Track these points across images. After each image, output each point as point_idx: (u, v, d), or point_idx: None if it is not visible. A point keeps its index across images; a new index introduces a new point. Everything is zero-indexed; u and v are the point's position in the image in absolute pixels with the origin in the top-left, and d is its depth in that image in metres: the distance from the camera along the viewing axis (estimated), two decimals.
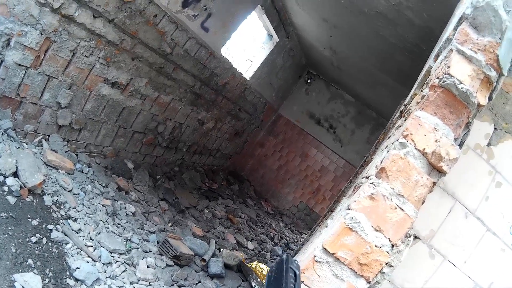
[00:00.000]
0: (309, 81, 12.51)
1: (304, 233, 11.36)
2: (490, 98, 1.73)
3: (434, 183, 1.66)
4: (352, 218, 1.59)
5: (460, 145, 1.81)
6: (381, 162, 1.66)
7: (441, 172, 1.67)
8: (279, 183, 12.62)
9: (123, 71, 5.78)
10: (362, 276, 1.61)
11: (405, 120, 2.05)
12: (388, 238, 1.61)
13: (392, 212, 1.60)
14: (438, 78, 1.66)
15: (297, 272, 1.13)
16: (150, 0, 5.36)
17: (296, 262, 1.18)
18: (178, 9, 5.95)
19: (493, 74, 1.67)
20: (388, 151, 1.70)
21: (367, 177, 1.79)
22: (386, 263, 1.60)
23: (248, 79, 9.51)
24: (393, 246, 1.61)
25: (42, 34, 4.39)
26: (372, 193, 1.61)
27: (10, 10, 4.00)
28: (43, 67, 4.65)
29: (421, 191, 1.62)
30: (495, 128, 2.28)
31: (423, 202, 1.68)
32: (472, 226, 2.26)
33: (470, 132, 1.83)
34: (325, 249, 1.60)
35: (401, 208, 1.61)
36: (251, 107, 10.70)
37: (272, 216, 11.33)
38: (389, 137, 2.47)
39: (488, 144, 2.27)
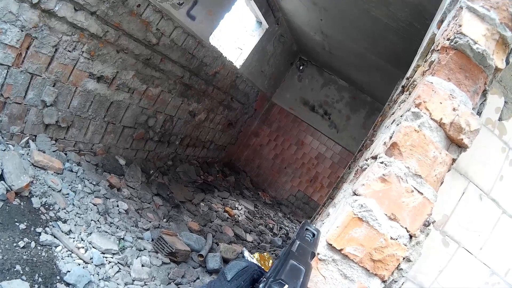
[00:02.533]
0: (301, 67, 12.35)
1: None
2: (507, 62, 1.52)
3: (454, 160, 1.45)
4: (362, 205, 1.36)
5: (478, 115, 1.60)
6: (391, 137, 1.44)
7: (461, 147, 1.44)
8: (275, 172, 12.48)
9: (109, 64, 5.59)
10: (376, 274, 1.39)
11: (409, 94, 1.86)
12: (405, 228, 1.39)
13: (408, 196, 1.38)
14: (449, 39, 1.45)
15: (316, 233, 1.04)
16: None
17: (315, 226, 1.09)
18: None
19: (508, 34, 1.46)
20: (398, 124, 1.48)
21: (374, 157, 1.56)
22: (404, 258, 1.38)
23: (238, 67, 9.33)
24: (411, 237, 1.39)
25: (22, 30, 4.23)
26: (383, 174, 1.37)
27: None
28: (26, 65, 4.49)
29: (440, 169, 1.40)
30: (505, 102, 2.10)
31: (441, 183, 1.47)
32: (487, 208, 2.09)
33: (486, 102, 1.62)
34: (330, 244, 1.38)
35: (418, 191, 1.38)
36: (243, 96, 10.53)
37: (270, 207, 11.22)
38: (393, 113, 2.26)
39: (500, 119, 2.09)
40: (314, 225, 1.20)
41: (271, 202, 11.76)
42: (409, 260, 1.40)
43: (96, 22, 4.99)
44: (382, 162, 1.38)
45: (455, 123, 1.39)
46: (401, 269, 1.39)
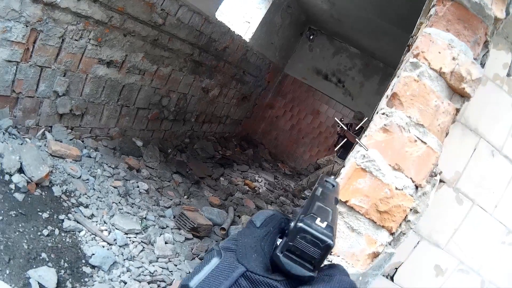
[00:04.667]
0: (311, 37, 12.18)
1: None
2: (507, 12, 1.48)
3: (458, 110, 1.42)
4: (364, 156, 1.36)
5: (481, 66, 1.56)
6: (392, 89, 1.43)
7: (464, 96, 1.41)
8: (293, 143, 12.46)
9: (117, 48, 5.59)
10: (383, 226, 1.38)
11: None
12: (411, 178, 1.38)
13: (411, 145, 1.37)
14: None
15: (335, 184, 0.97)
16: None
17: (333, 178, 1.02)
18: None
19: None
20: (398, 76, 1.46)
21: (377, 112, 1.55)
22: (411, 209, 1.38)
23: (248, 41, 9.25)
24: (417, 187, 1.39)
25: (27, 26, 4.24)
26: (385, 125, 1.36)
27: None
28: (34, 58, 4.51)
29: (443, 119, 1.38)
30: None
31: (446, 134, 1.45)
32: (500, 165, 2.06)
33: (489, 54, 1.58)
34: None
35: (422, 141, 1.37)
36: (255, 69, 10.46)
37: (290, 177, 11.22)
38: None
39: (508, 75, 2.04)
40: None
41: (291, 172, 11.74)
42: (416, 212, 1.39)
43: (99, 8, 4.97)
44: (383, 113, 1.37)
45: (455, 72, 1.37)
46: (409, 220, 1.38)
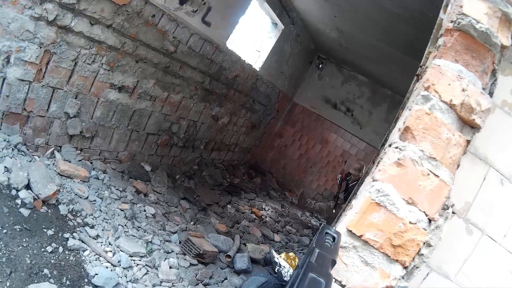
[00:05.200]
0: (320, 65, 12.31)
1: None
2: None
3: (468, 141, 1.43)
4: (379, 190, 1.35)
5: (489, 95, 1.57)
6: (404, 122, 1.44)
7: (474, 127, 1.43)
8: (301, 172, 12.43)
9: (129, 74, 5.67)
10: (397, 260, 1.36)
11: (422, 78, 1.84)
12: (424, 212, 1.36)
13: (424, 179, 1.35)
14: (452, 21, 1.43)
15: (336, 236, 0.94)
16: (146, 1, 5.24)
17: (335, 228, 0.99)
18: (176, 7, 5.81)
19: (511, 10, 1.45)
20: (410, 109, 1.47)
21: (390, 145, 1.55)
22: (424, 243, 1.36)
23: (258, 69, 9.35)
24: (430, 221, 1.37)
25: (40, 47, 4.32)
26: (398, 159, 1.35)
27: (6, 29, 3.94)
28: (46, 79, 4.58)
29: (455, 151, 1.39)
30: None
31: (458, 166, 1.45)
32: (509, 193, 2.03)
33: (497, 82, 1.59)
34: (350, 231, 1.36)
35: (434, 174, 1.36)
36: (265, 98, 10.53)
37: (297, 206, 11.18)
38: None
39: None
40: (335, 227, 1.15)
41: (298, 201, 11.72)
42: (429, 245, 1.37)
43: (112, 34, 5.07)
44: (396, 147, 1.37)
45: (465, 103, 1.38)
46: (422, 254, 1.36)
